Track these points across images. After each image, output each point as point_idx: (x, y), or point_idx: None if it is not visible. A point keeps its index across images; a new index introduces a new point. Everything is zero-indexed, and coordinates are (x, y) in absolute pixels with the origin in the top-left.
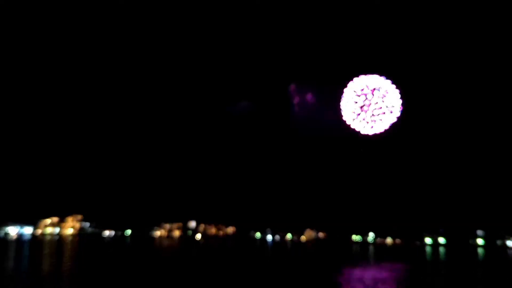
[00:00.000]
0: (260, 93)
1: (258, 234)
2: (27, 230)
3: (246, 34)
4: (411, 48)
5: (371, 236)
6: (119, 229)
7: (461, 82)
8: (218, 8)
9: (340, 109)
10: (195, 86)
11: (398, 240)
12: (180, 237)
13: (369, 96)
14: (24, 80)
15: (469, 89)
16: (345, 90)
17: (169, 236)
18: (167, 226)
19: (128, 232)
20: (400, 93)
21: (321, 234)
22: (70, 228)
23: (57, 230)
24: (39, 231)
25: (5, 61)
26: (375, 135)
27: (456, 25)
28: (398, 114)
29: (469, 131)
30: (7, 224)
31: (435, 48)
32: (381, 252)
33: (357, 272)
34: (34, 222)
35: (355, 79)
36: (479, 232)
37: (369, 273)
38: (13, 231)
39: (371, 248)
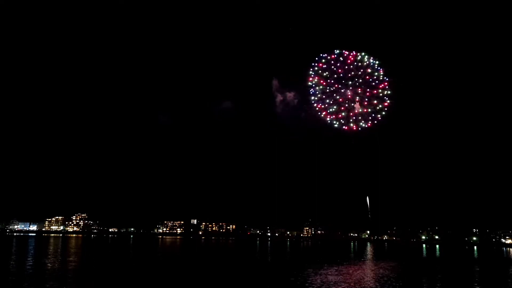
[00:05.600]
0: (243, 92)
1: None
2: (33, 227)
3: (225, 33)
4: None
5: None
6: (123, 227)
7: (458, 80)
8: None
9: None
10: (192, 88)
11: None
12: (182, 234)
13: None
14: (27, 82)
15: (465, 88)
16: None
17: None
18: (170, 224)
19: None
20: (392, 85)
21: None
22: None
23: (62, 227)
24: (44, 229)
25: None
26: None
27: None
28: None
29: (465, 130)
30: (13, 221)
31: (428, 41)
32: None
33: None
34: (39, 219)
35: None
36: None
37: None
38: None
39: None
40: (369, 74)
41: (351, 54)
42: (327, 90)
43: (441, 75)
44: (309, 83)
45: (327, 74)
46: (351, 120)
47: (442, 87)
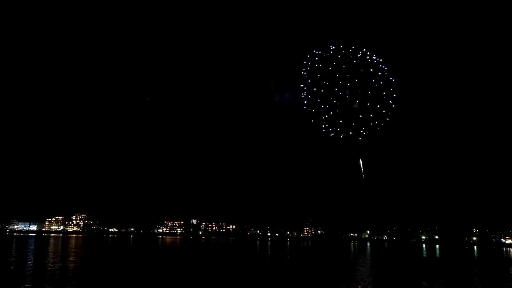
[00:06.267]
0: (243, 92)
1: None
2: (33, 228)
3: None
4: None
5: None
6: (123, 227)
7: (458, 79)
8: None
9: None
10: (192, 88)
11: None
12: (182, 234)
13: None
14: (27, 82)
15: (465, 88)
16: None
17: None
18: (169, 224)
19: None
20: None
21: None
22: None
23: (62, 228)
24: (44, 229)
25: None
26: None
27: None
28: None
29: (465, 130)
30: (13, 221)
31: (428, 41)
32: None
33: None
34: (39, 219)
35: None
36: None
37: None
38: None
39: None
40: (371, 74)
41: (350, 50)
42: (322, 93)
43: (441, 74)
44: (301, 85)
45: (322, 74)
46: (349, 128)
47: (442, 86)
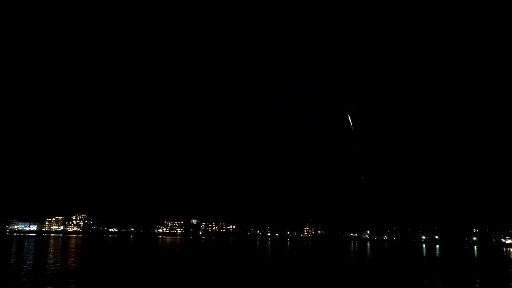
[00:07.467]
0: (243, 92)
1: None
2: (32, 228)
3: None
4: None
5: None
6: (123, 227)
7: (458, 80)
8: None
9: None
10: (192, 88)
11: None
12: (182, 234)
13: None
14: (27, 82)
15: (464, 88)
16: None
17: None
18: (170, 224)
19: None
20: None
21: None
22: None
23: (62, 228)
24: (44, 229)
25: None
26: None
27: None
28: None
29: (465, 130)
30: (13, 221)
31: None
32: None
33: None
34: (39, 219)
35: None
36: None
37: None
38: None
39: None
40: (372, 74)
41: (350, 50)
42: (320, 95)
43: (441, 75)
44: (297, 87)
45: (320, 75)
46: (348, 132)
47: (441, 87)
